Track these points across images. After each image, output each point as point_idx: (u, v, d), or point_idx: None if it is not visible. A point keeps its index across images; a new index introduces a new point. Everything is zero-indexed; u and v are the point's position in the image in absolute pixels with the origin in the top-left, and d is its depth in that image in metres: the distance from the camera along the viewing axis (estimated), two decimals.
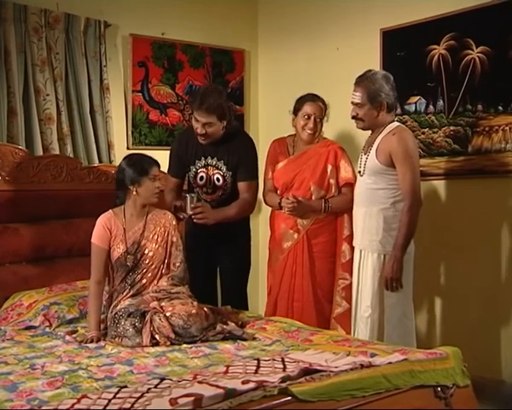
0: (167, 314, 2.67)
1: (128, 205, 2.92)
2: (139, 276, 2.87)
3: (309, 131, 3.32)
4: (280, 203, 3.35)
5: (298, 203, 3.25)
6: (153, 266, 2.90)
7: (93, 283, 2.84)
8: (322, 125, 3.37)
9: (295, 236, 3.34)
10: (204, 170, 3.29)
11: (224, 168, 3.26)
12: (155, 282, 2.88)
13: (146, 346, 2.61)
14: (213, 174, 3.28)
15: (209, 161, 3.28)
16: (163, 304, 2.74)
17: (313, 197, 3.32)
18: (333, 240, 3.34)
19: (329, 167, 3.32)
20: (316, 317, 3.26)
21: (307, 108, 3.31)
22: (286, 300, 3.34)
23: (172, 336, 2.63)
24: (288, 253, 3.35)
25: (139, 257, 2.88)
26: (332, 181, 3.32)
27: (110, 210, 2.92)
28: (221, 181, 3.27)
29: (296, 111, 3.36)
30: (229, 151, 3.24)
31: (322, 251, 3.33)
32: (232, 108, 3.34)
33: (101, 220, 2.90)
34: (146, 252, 2.89)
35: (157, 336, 2.63)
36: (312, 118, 3.30)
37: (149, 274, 2.89)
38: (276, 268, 3.44)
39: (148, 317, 2.68)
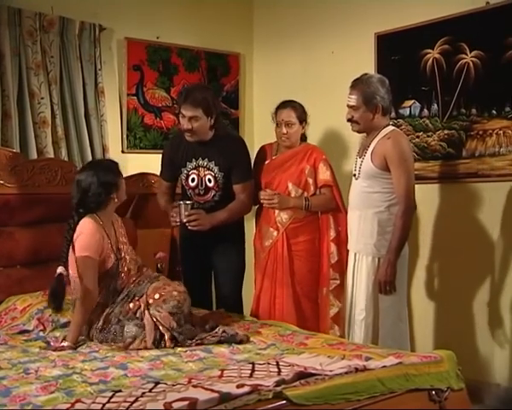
0: (156, 297, 2.68)
1: (106, 211, 2.85)
2: (120, 281, 2.84)
3: (282, 138, 3.40)
4: (259, 197, 3.41)
5: (278, 196, 3.32)
6: (130, 269, 2.88)
7: (83, 297, 2.68)
8: (298, 129, 3.39)
9: (275, 234, 3.39)
10: (195, 171, 3.30)
11: (215, 169, 3.27)
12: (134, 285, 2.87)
13: (142, 349, 2.60)
14: (205, 175, 3.29)
15: (200, 162, 3.29)
16: (148, 293, 2.74)
17: (291, 195, 3.38)
18: (314, 239, 3.39)
19: (307, 168, 3.37)
20: (295, 313, 3.32)
21: (278, 116, 3.41)
22: (268, 296, 3.40)
23: (174, 324, 2.64)
24: (269, 251, 3.41)
25: (122, 263, 2.86)
26: (310, 180, 3.37)
27: (90, 219, 2.78)
28: (212, 182, 3.28)
29: (275, 121, 3.45)
30: (220, 152, 3.26)
31: (303, 250, 3.38)
32: (218, 104, 3.35)
33: (91, 231, 2.74)
34: (123, 255, 2.88)
35: (161, 328, 2.63)
36: (283, 123, 3.37)
37: (130, 279, 2.87)
38: (259, 266, 3.49)
39: (146, 314, 2.66)
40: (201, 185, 3.31)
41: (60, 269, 2.75)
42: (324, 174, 3.36)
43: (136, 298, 2.78)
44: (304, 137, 3.49)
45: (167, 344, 2.63)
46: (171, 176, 3.42)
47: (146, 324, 2.66)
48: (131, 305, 2.76)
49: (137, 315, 2.71)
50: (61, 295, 2.72)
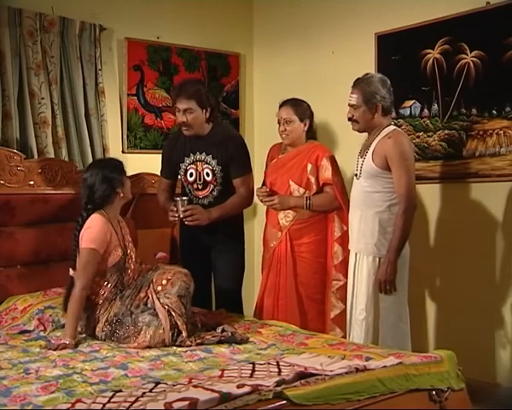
0: (163, 282, 2.75)
1: (112, 207, 2.92)
2: (126, 277, 2.89)
3: (282, 135, 3.44)
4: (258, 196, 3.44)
5: (278, 197, 3.33)
6: (135, 267, 2.93)
7: (81, 289, 2.72)
8: (298, 127, 3.40)
9: (278, 235, 3.40)
10: (193, 166, 3.34)
11: (213, 162, 3.29)
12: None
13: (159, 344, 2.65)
14: (203, 170, 3.32)
15: (198, 156, 3.32)
16: (155, 280, 2.79)
17: (293, 194, 3.38)
18: (320, 240, 3.37)
19: (309, 166, 3.37)
20: (299, 315, 3.31)
21: (279, 114, 3.45)
22: (272, 298, 3.40)
23: (183, 309, 2.71)
24: (273, 252, 3.41)
25: (129, 260, 2.91)
26: (312, 179, 3.37)
27: (98, 214, 2.85)
28: (210, 176, 3.31)
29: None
30: (217, 146, 3.29)
31: (307, 251, 3.37)
32: (213, 98, 3.39)
33: (99, 224, 2.82)
34: (129, 252, 2.94)
35: (173, 314, 2.69)
36: (282, 121, 3.41)
37: (135, 275, 2.91)
38: (265, 266, 3.50)
39: (157, 304, 2.71)
40: (200, 180, 3.33)
41: (71, 272, 2.84)
42: (325, 172, 3.34)
43: (145, 288, 2.82)
44: (310, 135, 3.48)
45: (184, 333, 2.68)
46: (171, 174, 3.46)
47: (159, 312, 2.70)
48: (142, 294, 2.81)
49: (149, 305, 2.76)
50: None
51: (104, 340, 2.77)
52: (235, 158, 3.30)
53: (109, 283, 2.84)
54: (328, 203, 3.35)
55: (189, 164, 3.34)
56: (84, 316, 2.83)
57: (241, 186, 3.32)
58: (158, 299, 2.73)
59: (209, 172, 3.30)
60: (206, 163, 3.30)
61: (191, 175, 3.35)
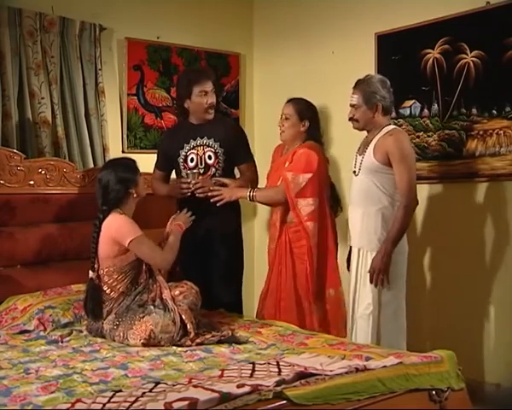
0: (176, 293, 2.83)
1: (127, 207, 2.94)
2: (140, 275, 2.91)
3: (279, 131, 3.41)
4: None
5: (225, 190, 3.32)
6: (147, 266, 2.94)
7: (163, 260, 2.87)
8: (296, 125, 3.35)
9: (277, 235, 3.38)
10: (194, 151, 3.37)
11: (215, 145, 3.33)
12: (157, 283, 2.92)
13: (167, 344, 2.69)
14: (204, 153, 3.35)
15: (198, 141, 3.36)
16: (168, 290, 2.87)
17: None
18: (319, 241, 3.33)
19: (287, 164, 3.34)
20: (296, 316, 3.30)
21: (282, 111, 3.42)
22: (274, 299, 3.39)
23: (193, 319, 2.77)
24: (274, 253, 3.40)
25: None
26: None
27: (116, 213, 2.88)
28: (213, 158, 3.34)
29: None
30: (219, 129, 3.34)
31: (306, 253, 3.33)
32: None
33: (121, 218, 2.87)
34: None
35: (183, 316, 2.74)
36: (283, 117, 3.40)
37: (147, 274, 2.94)
38: (269, 267, 3.49)
39: (170, 304, 2.78)
40: (201, 164, 3.36)
41: (90, 274, 2.86)
42: (287, 165, 3.30)
43: (155, 287, 2.88)
44: (312, 137, 3.39)
45: (191, 335, 2.72)
46: (165, 167, 3.51)
47: (170, 307, 2.77)
48: (152, 294, 2.85)
49: (156, 303, 2.81)
50: (98, 301, 2.82)
51: (110, 331, 2.78)
52: (240, 144, 3.38)
53: (126, 278, 2.87)
54: (273, 194, 3.32)
55: (189, 149, 3.37)
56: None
57: (247, 171, 3.41)
58: (172, 299, 2.80)
59: (211, 154, 3.33)
60: (208, 146, 3.34)
61: (192, 160, 3.37)
